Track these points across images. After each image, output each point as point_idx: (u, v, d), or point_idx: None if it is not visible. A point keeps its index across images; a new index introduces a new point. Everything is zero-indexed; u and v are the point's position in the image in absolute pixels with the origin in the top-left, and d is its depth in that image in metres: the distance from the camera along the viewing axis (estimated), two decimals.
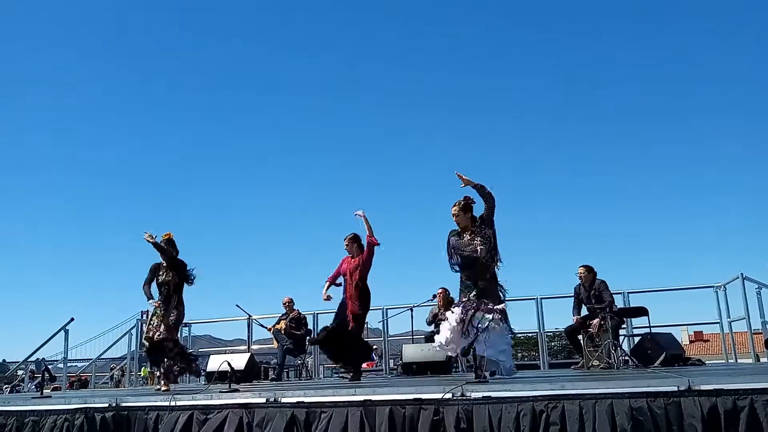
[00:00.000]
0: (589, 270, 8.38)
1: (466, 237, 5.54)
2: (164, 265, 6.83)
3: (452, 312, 5.44)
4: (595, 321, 7.94)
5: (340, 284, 7.11)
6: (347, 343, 6.94)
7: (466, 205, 5.69)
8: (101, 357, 12.43)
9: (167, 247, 6.80)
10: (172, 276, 6.77)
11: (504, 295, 5.59)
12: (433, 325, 9.57)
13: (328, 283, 7.14)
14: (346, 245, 7.05)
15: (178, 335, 7.02)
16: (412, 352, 8.97)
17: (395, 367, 9.78)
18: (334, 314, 7.16)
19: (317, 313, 10.41)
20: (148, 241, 6.66)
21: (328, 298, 7.10)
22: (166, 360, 6.71)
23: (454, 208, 5.70)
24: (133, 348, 10.91)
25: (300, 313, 9.96)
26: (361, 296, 6.88)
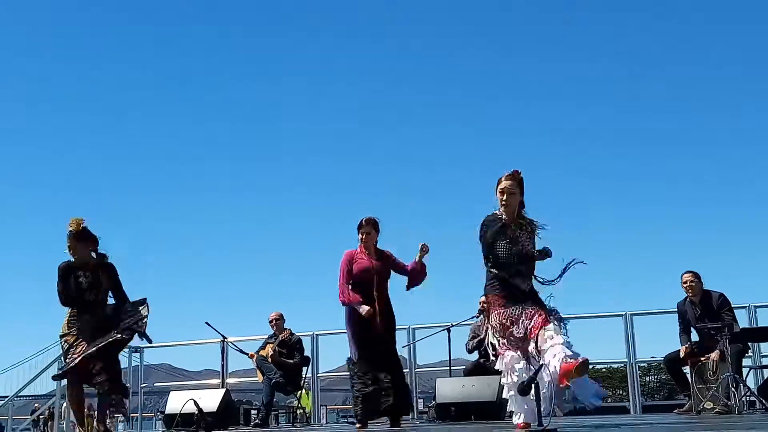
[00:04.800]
0: (698, 277, 6.98)
1: (517, 229, 4.66)
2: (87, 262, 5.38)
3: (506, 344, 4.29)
4: (714, 353, 6.37)
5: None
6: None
7: (522, 181, 4.69)
8: (19, 395, 11.07)
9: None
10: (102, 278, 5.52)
11: None
12: (476, 353, 8.07)
13: (358, 297, 5.64)
14: (366, 234, 5.63)
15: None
16: (449, 390, 7.67)
17: (426, 409, 8.51)
18: (359, 338, 5.63)
19: (316, 335, 8.87)
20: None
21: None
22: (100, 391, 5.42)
23: (509, 181, 4.65)
24: (63, 382, 9.23)
25: (293, 335, 8.28)
26: (390, 309, 5.80)
